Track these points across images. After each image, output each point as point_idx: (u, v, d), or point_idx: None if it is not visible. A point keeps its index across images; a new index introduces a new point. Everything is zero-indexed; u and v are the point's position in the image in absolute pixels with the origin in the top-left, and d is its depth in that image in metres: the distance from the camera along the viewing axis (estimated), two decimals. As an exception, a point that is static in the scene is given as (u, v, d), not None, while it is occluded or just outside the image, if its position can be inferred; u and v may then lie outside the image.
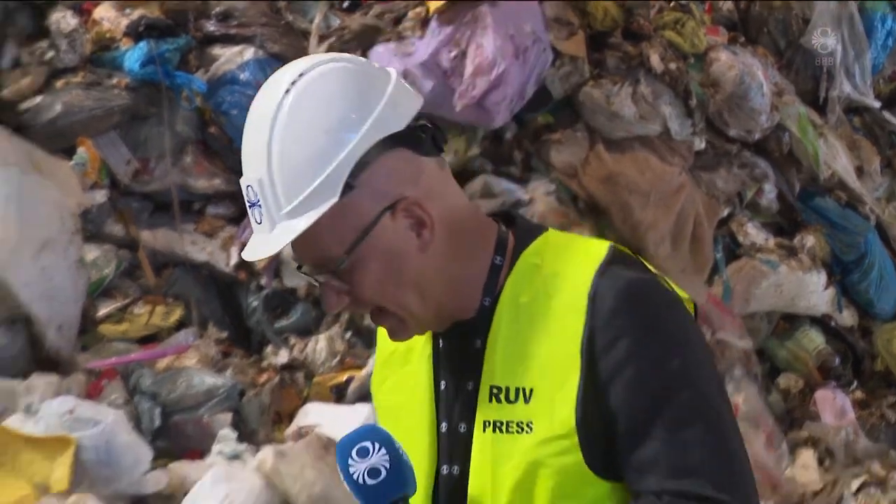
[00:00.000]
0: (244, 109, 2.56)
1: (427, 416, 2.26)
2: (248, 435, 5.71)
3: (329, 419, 5.75)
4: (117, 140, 6.35)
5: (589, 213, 6.11)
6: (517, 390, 2.14)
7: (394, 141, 2.12)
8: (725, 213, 6.78)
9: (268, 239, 2.12)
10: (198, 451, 5.44)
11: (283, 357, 6.29)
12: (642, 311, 2.10)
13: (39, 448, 5.09)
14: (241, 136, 2.16)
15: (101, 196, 6.17)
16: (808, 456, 6.46)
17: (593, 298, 2.09)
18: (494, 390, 2.17)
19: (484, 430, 2.17)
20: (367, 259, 2.13)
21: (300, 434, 5.70)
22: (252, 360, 6.23)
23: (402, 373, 2.31)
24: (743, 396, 6.22)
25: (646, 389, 2.07)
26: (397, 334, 2.23)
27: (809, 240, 7.25)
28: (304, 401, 6.04)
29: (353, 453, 2.17)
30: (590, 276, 2.12)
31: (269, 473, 5.31)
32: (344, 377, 6.17)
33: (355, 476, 2.16)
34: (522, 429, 2.13)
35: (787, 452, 6.41)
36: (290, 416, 5.93)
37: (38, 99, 6.11)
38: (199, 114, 6.40)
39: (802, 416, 6.89)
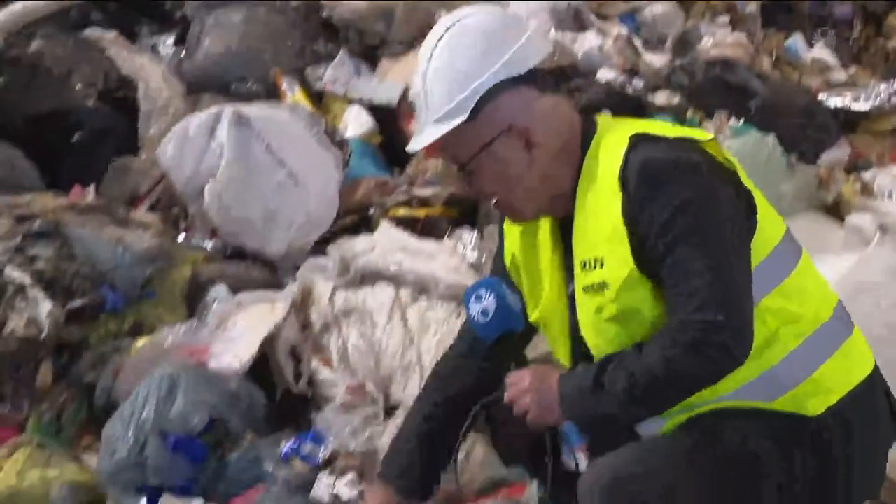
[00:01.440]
0: None
1: (559, 280, 2.78)
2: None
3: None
4: None
5: None
6: (594, 260, 2.63)
7: (517, 80, 2.63)
8: None
9: (419, 137, 2.68)
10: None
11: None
12: (655, 184, 2.55)
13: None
14: None
15: None
16: None
17: (622, 180, 2.59)
18: (580, 261, 2.66)
19: (584, 292, 2.67)
20: (486, 166, 2.67)
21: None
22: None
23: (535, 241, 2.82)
24: None
25: (665, 240, 2.54)
26: (513, 219, 2.80)
27: None
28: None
29: (472, 298, 2.73)
30: (618, 164, 2.60)
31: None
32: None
33: (473, 315, 2.73)
34: (603, 287, 2.62)
35: None
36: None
37: None
38: None
39: None
